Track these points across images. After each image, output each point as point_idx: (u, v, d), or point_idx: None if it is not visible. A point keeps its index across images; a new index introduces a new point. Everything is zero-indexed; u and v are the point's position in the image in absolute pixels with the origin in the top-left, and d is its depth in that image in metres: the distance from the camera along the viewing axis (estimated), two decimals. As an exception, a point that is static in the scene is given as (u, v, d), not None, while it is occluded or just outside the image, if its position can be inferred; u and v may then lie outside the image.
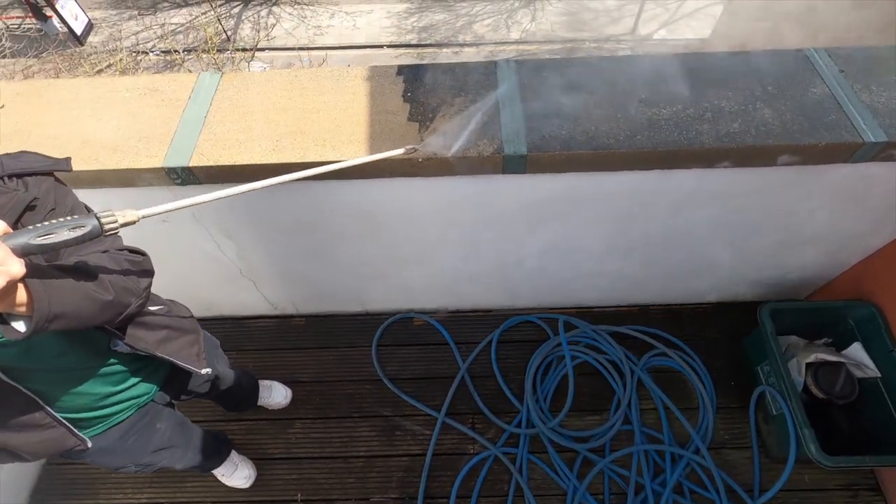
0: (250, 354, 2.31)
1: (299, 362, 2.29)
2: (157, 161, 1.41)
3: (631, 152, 1.36)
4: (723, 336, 2.27)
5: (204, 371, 1.33)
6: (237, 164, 1.39)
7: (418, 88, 1.52)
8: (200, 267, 1.96)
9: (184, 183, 1.46)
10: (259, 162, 1.39)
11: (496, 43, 16.91)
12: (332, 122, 1.46)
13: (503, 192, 1.56)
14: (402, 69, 1.58)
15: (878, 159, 1.40)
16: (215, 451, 1.83)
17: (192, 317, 1.42)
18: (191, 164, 1.40)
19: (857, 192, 1.59)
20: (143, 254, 1.06)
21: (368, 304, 2.37)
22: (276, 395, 2.14)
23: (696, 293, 2.30)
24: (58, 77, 10.35)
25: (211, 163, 1.40)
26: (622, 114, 1.42)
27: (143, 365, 1.24)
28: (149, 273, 1.04)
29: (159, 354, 1.18)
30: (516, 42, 16.81)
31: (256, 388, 2.07)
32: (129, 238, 1.78)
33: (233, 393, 1.82)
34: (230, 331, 2.36)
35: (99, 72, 9.45)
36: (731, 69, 1.51)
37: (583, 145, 1.37)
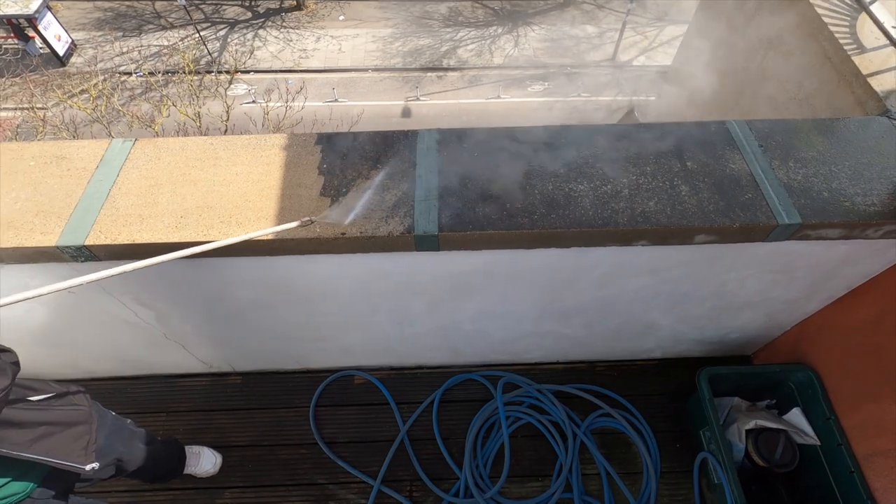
0: (181, 416, 2.21)
1: (233, 425, 2.19)
2: (51, 239, 1.34)
3: (545, 232, 1.33)
4: (669, 394, 2.23)
5: (89, 467, 1.25)
6: (135, 242, 1.33)
7: (335, 159, 1.48)
8: (120, 332, 1.88)
9: (85, 259, 1.40)
10: (158, 241, 1.33)
11: (479, 68, 17.21)
12: (241, 195, 1.41)
13: (422, 267, 1.51)
14: (320, 138, 1.54)
15: (795, 238, 1.38)
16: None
17: (86, 406, 1.34)
18: (87, 243, 1.33)
19: (782, 265, 1.57)
20: (6, 350, 0.99)
21: (306, 362, 2.29)
22: (204, 462, 2.04)
23: (642, 350, 2.27)
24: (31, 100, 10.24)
25: (108, 241, 1.33)
26: (540, 188, 1.39)
27: (12, 465, 1.15)
28: (6, 372, 0.97)
29: (28, 456, 1.10)
30: (499, 67, 17.13)
31: (182, 458, 1.97)
32: (36, 311, 1.68)
33: (148, 469, 1.72)
34: (160, 390, 2.27)
35: (72, 96, 9.35)
36: (654, 142, 1.50)
37: (496, 223, 1.33)
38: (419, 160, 1.47)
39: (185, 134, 8.50)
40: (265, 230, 1.28)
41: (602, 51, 17.54)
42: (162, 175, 1.46)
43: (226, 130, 8.98)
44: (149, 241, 1.33)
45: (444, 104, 15.84)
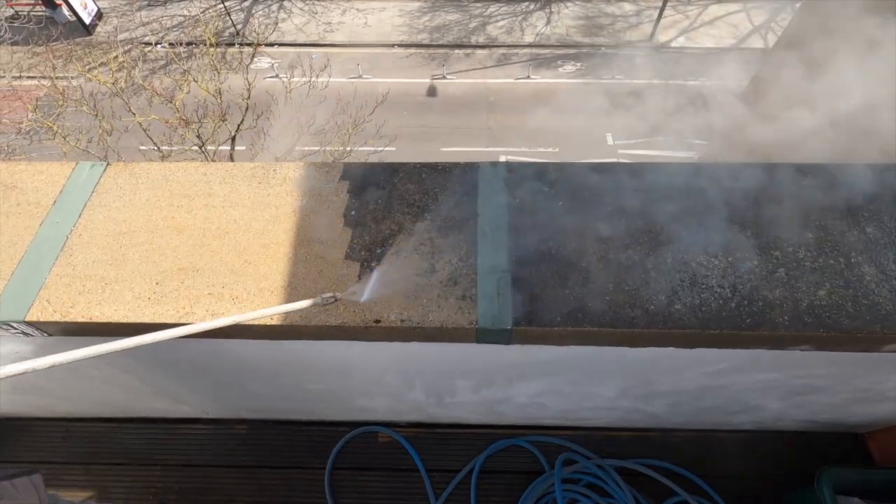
0: (176, 472, 1.90)
1: (236, 486, 1.87)
2: (-18, 310, 0.99)
3: (666, 333, 0.92)
4: (761, 478, 1.82)
5: None
6: (93, 321, 0.96)
7: (367, 203, 1.09)
8: (100, 384, 1.55)
9: (29, 335, 1.04)
10: (123, 320, 0.96)
11: (509, 46, 16.44)
12: (240, 254, 1.03)
13: (480, 357, 1.12)
14: (347, 170, 1.14)
15: None
16: None
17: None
18: (30, 318, 0.97)
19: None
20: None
21: (322, 413, 1.94)
22: (200, 534, 1.73)
23: (730, 421, 1.86)
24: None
25: (58, 317, 0.97)
26: (657, 262, 0.98)
27: None
28: None
29: None
30: (530, 45, 16.33)
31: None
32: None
33: None
34: (154, 437, 1.95)
35: (91, 69, 9.08)
36: (811, 193, 1.07)
37: (596, 316, 0.93)
38: (482, 207, 1.06)
39: (205, 112, 8.18)
40: (269, 310, 0.91)
41: (639, 30, 16.56)
42: (137, 218, 1.09)
43: (247, 108, 8.63)
44: (111, 321, 0.96)
45: (471, 83, 15.20)
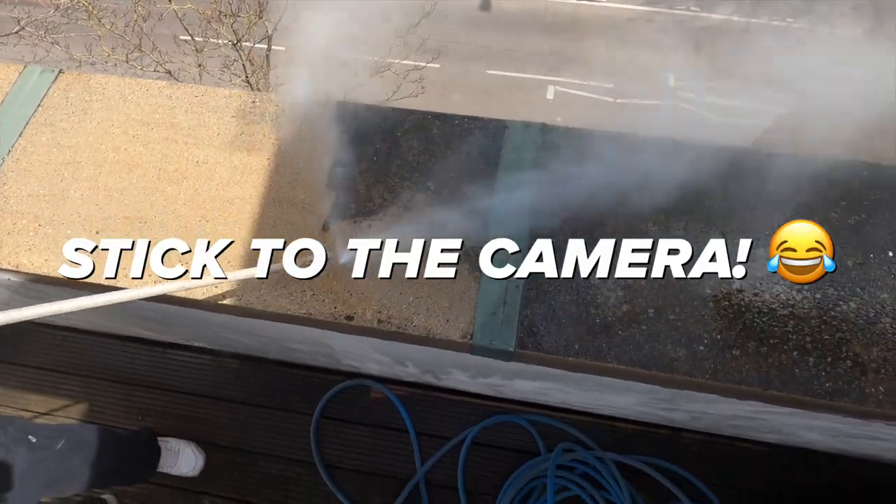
0: (164, 396, 1.87)
1: (222, 419, 1.83)
2: None
3: (712, 385, 0.71)
4: (776, 497, 1.67)
5: None
6: (18, 269, 0.81)
7: (358, 161, 0.86)
8: (85, 315, 1.45)
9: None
10: (51, 273, 0.80)
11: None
12: (197, 206, 0.84)
13: (476, 364, 0.94)
14: (342, 113, 0.90)
15: None
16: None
17: None
18: (-52, 257, 0.83)
19: None
20: None
21: (314, 361, 1.84)
22: (183, 464, 1.71)
23: (754, 436, 1.67)
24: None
25: (-21, 259, 0.82)
26: (715, 290, 0.75)
27: None
28: None
29: None
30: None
31: (152, 462, 1.63)
32: None
33: (101, 482, 1.41)
34: (148, 359, 1.91)
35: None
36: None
37: (623, 352, 0.72)
38: (501, 184, 0.83)
39: (240, 5, 7.68)
40: (209, 280, 0.73)
41: (729, -46, 14.56)
42: (85, 146, 0.90)
43: (286, 7, 8.07)
44: (39, 272, 0.81)
45: (529, 2, 13.88)
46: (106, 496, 1.66)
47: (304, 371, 1.88)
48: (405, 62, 8.91)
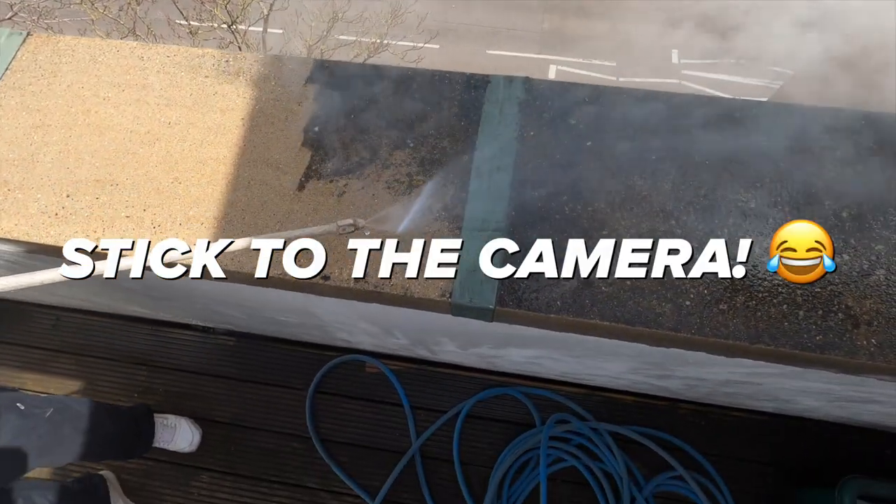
0: (162, 374, 1.87)
1: (218, 396, 1.84)
2: None
3: (699, 340, 0.69)
4: (773, 465, 1.66)
5: None
6: (-8, 234, 0.79)
7: (335, 118, 0.84)
8: (80, 292, 1.45)
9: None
10: (24, 238, 0.79)
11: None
12: (169, 168, 0.82)
13: (461, 326, 0.92)
14: (317, 70, 0.87)
15: None
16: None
17: None
18: (-82, 222, 0.81)
19: None
20: None
21: (309, 336, 1.84)
22: (179, 439, 1.72)
23: (751, 405, 1.66)
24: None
25: (-50, 224, 0.80)
26: (701, 244, 0.72)
27: None
28: None
29: None
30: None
31: (146, 438, 1.64)
32: None
33: (93, 456, 1.41)
34: (145, 337, 1.90)
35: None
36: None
37: (607, 309, 0.70)
38: (482, 139, 0.80)
39: (235, -14, 7.55)
40: (240, 241, 0.70)
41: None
42: (55, 109, 0.87)
43: (280, -14, 7.93)
44: (9, 237, 0.79)
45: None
46: (104, 472, 1.67)
47: (299, 347, 1.88)
48: (402, 43, 8.76)
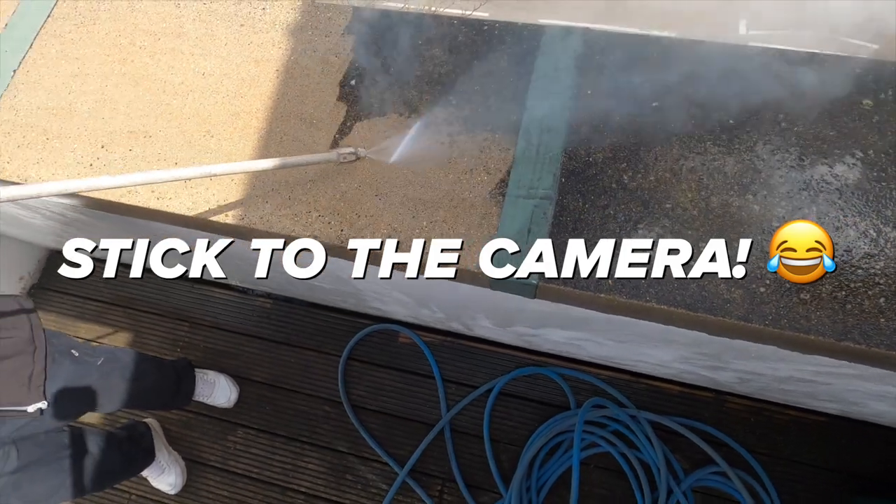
0: (203, 331, 1.92)
1: (255, 356, 1.87)
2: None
3: (773, 333, 0.60)
4: (827, 468, 1.54)
5: (33, 408, 0.93)
6: (27, 181, 0.79)
7: (373, 73, 0.77)
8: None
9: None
10: (58, 190, 0.78)
11: None
12: (202, 121, 0.78)
13: (500, 301, 0.86)
14: (357, 20, 0.81)
15: None
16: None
17: (24, 332, 0.98)
18: (-38, 167, 0.81)
19: None
20: None
21: (342, 303, 1.83)
22: (218, 394, 1.77)
23: (811, 404, 1.53)
24: None
25: (-8, 171, 0.80)
26: (783, 220, 0.63)
27: None
28: None
29: None
30: None
31: (188, 391, 1.69)
32: None
33: (138, 404, 1.47)
34: (188, 294, 1.96)
35: None
36: None
37: (667, 292, 0.62)
38: (532, 96, 0.72)
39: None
40: (237, 164, 0.68)
41: None
42: (92, 57, 0.85)
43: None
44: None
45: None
46: (148, 419, 1.74)
47: (334, 313, 1.88)
48: (450, 10, 8.51)
